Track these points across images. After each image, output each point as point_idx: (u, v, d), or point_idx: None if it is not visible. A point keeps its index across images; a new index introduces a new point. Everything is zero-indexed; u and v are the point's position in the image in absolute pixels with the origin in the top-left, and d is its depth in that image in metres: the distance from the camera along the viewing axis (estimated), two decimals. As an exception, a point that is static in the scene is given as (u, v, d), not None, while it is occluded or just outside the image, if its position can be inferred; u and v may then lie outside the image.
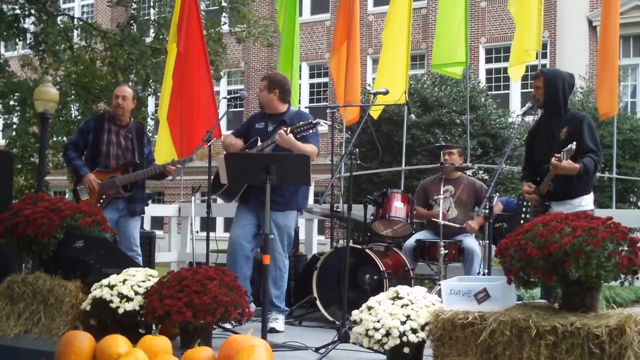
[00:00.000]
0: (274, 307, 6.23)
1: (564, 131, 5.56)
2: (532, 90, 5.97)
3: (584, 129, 5.58)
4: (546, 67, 17.73)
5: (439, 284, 5.37)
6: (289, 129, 6.04)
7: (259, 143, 6.29)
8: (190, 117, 8.73)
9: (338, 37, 9.58)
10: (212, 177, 6.43)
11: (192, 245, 8.91)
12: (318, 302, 6.55)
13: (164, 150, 8.76)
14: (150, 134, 17.05)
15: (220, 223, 23.19)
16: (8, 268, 6.12)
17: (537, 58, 9.04)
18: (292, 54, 9.54)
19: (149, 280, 5.32)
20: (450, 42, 8.79)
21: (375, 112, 9.38)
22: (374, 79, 22.07)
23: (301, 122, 6.10)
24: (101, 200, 6.75)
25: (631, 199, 15.00)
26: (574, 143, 5.27)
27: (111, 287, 5.22)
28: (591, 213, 4.88)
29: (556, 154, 5.32)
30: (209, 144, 6.31)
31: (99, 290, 5.24)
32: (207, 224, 6.19)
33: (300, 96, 24.02)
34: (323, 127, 6.22)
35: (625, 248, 3.85)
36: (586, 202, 5.66)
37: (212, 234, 6.28)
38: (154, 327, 5.03)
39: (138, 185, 6.95)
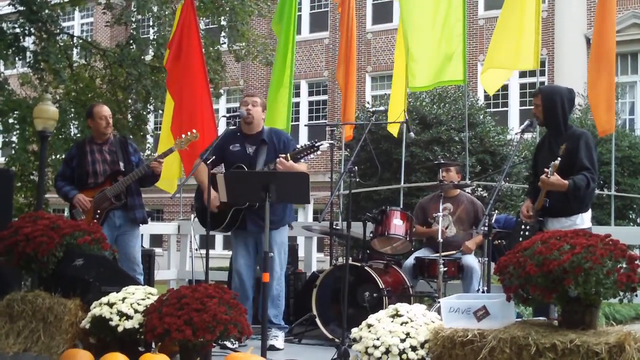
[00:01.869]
0: (274, 325, 6.24)
1: (563, 148, 5.58)
2: (531, 107, 5.99)
3: (581, 146, 5.58)
4: (544, 84, 17.78)
5: (439, 302, 5.37)
6: (289, 155, 6.07)
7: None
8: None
9: (343, 51, 9.68)
10: (197, 206, 6.57)
11: (191, 263, 8.91)
12: (317, 320, 6.53)
13: (174, 167, 8.82)
14: (148, 152, 17.19)
15: (219, 241, 23.21)
16: (7, 286, 6.12)
17: (535, 75, 9.08)
18: (284, 72, 9.47)
19: (148, 298, 5.31)
20: (444, 59, 8.82)
21: (394, 129, 9.53)
22: (372, 96, 22.23)
23: (301, 146, 6.13)
24: (97, 216, 6.74)
25: (630, 216, 15.01)
26: (559, 159, 5.27)
27: (111, 305, 5.22)
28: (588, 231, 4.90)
29: (545, 169, 5.34)
30: (208, 162, 6.32)
31: (98, 309, 5.24)
32: (207, 242, 6.18)
33: (299, 114, 24.23)
34: (324, 146, 6.23)
35: (624, 265, 3.87)
36: (582, 220, 5.65)
37: (211, 252, 6.29)
38: (153, 345, 5.02)
39: (132, 192, 6.90)
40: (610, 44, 8.09)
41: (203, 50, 9.63)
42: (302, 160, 6.19)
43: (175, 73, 9.11)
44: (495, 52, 8.70)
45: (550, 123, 5.81)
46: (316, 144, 6.07)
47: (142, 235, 7.32)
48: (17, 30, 14.44)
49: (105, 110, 7.01)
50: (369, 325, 4.57)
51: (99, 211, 6.77)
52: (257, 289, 6.48)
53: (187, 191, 6.89)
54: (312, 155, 6.14)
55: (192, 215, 8.05)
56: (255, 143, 6.41)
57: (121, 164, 6.93)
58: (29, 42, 15.32)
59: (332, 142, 6.43)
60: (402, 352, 4.30)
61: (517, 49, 8.40)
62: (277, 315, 6.33)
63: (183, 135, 6.80)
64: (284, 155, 6.07)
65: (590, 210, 5.78)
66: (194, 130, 6.82)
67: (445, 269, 6.52)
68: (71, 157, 7.05)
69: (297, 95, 24.09)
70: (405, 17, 8.76)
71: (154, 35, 16.37)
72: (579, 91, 15.02)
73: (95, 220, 6.68)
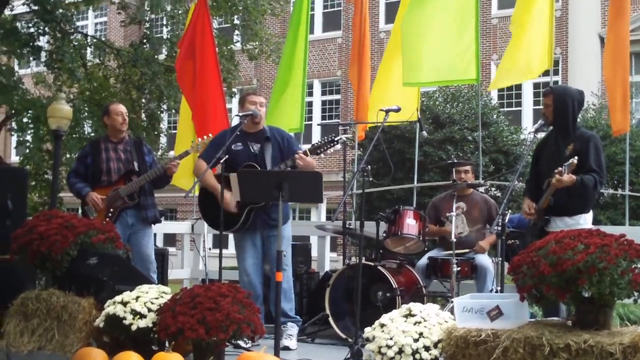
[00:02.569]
0: (289, 318, 6.25)
1: (570, 148, 5.56)
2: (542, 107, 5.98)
3: (590, 149, 5.58)
4: (558, 84, 17.70)
5: (452, 301, 5.36)
6: (308, 149, 6.09)
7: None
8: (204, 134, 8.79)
9: (356, 51, 9.67)
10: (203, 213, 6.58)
11: (204, 262, 8.92)
12: (331, 319, 6.53)
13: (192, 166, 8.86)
14: (162, 151, 17.24)
15: (232, 240, 23.22)
16: (22, 285, 6.14)
17: (549, 75, 9.04)
18: (291, 71, 9.40)
19: (162, 297, 5.32)
20: (458, 58, 8.76)
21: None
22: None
23: (319, 141, 6.15)
24: (109, 215, 6.75)
25: (644, 216, 14.92)
26: (576, 157, 5.27)
27: (124, 304, 5.23)
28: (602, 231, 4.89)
29: (558, 168, 5.32)
30: (221, 161, 6.33)
31: (112, 307, 5.26)
32: (220, 241, 6.19)
33: (312, 113, 24.23)
34: (342, 140, 6.22)
35: (639, 265, 3.85)
36: (584, 221, 5.65)
37: (224, 251, 6.29)
38: (167, 343, 5.03)
39: (145, 192, 6.89)
40: (625, 43, 8.06)
41: (216, 49, 9.65)
42: (322, 155, 6.22)
43: (187, 72, 9.13)
44: (507, 69, 8.67)
45: (560, 123, 5.80)
46: (335, 139, 6.06)
47: (155, 234, 7.33)
48: (32, 29, 14.52)
49: (122, 108, 7.06)
50: (382, 325, 4.57)
51: (111, 210, 6.77)
52: (266, 286, 6.51)
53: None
54: (329, 151, 6.15)
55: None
56: (258, 141, 6.40)
57: (135, 164, 6.93)
58: (43, 41, 15.40)
59: (349, 136, 6.41)
60: (415, 352, 4.30)
61: (530, 60, 8.37)
62: (291, 308, 6.34)
63: (199, 140, 6.81)
64: (302, 151, 6.08)
65: (591, 212, 5.79)
66: (210, 135, 6.81)
67: (459, 268, 6.51)
68: (85, 154, 7.06)
69: (310, 94, 24.08)
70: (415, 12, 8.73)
71: (168, 35, 16.44)
72: (593, 90, 14.99)
73: (107, 219, 6.69)
